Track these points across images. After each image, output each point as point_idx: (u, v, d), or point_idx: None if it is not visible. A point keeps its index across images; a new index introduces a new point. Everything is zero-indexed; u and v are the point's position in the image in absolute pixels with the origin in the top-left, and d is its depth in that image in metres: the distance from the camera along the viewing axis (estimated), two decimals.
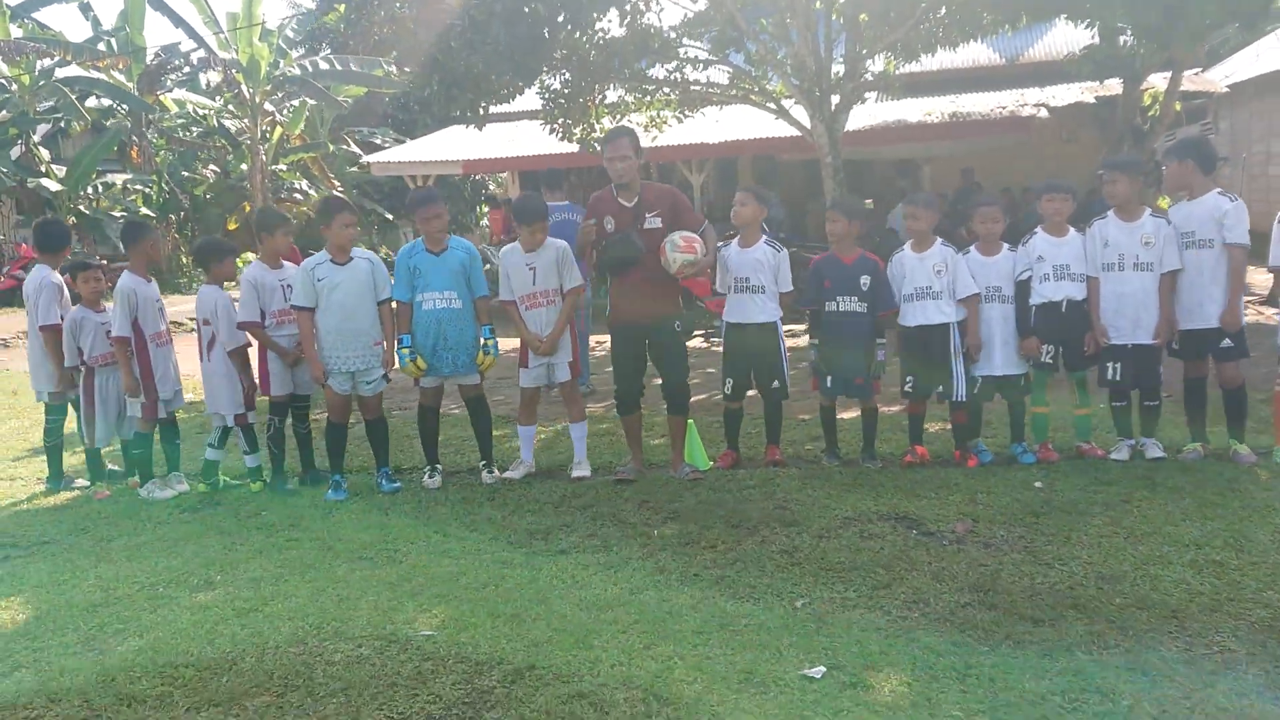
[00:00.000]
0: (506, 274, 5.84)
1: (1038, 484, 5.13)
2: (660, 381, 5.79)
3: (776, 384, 5.76)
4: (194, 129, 27.85)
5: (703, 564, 4.33)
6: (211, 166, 28.07)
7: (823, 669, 3.30)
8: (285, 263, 6.20)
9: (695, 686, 3.23)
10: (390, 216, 29.01)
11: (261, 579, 4.47)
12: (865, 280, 5.60)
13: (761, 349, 5.72)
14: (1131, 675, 3.15)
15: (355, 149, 29.30)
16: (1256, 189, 18.08)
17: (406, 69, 12.23)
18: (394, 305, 5.81)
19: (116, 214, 22.81)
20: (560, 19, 10.07)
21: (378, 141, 29.61)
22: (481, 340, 5.79)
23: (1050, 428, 5.73)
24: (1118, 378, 5.52)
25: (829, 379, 5.75)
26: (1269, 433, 5.49)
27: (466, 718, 3.10)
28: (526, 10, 9.42)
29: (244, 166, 27.09)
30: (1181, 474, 5.15)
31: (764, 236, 5.79)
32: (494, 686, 3.29)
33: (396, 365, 5.84)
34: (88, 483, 6.53)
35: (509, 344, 6.17)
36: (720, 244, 5.84)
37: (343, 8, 12.15)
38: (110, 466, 6.76)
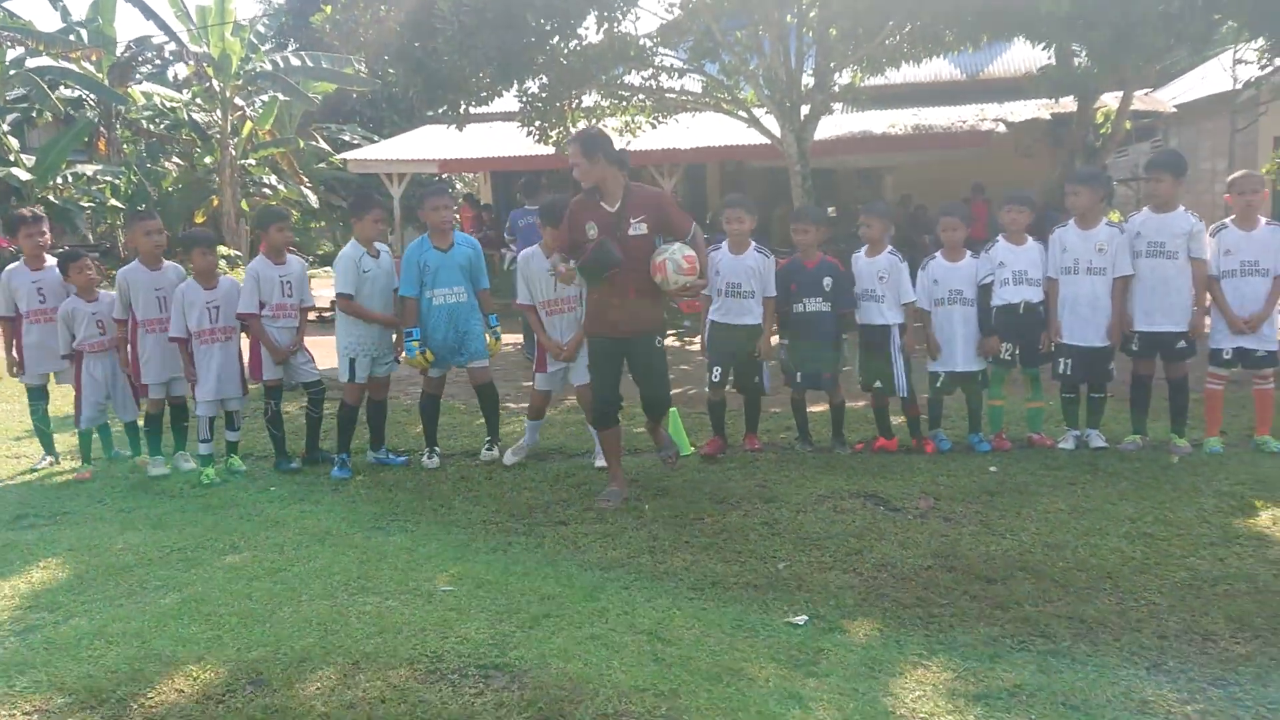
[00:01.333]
0: (527, 279, 6.10)
1: (993, 468, 5.65)
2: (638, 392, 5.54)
3: (758, 379, 6.14)
4: (160, 121, 27.84)
5: (692, 534, 4.77)
6: (175, 160, 28.03)
7: (805, 617, 3.76)
8: (291, 257, 6.54)
9: (694, 631, 3.66)
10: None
11: (284, 544, 4.84)
12: (828, 281, 6.04)
13: (747, 348, 6.02)
14: (1070, 622, 3.63)
15: (324, 145, 29.43)
16: (1202, 205, 18.85)
17: (391, 71, 12.48)
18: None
19: (84, 204, 22.79)
20: (548, 28, 10.49)
21: (346, 138, 29.79)
22: (489, 326, 6.30)
23: (1004, 419, 6.25)
24: (1068, 373, 6.04)
25: (798, 375, 6.20)
26: (1201, 427, 6.04)
27: (494, 655, 3.51)
28: (516, 18, 9.81)
29: (208, 160, 27.14)
30: (1120, 461, 5.70)
31: (753, 244, 6.01)
32: (514, 631, 3.70)
33: (404, 356, 6.21)
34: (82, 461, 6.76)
35: (511, 338, 6.56)
36: (710, 249, 5.89)
37: (329, 9, 12.35)
38: (116, 450, 7.03)
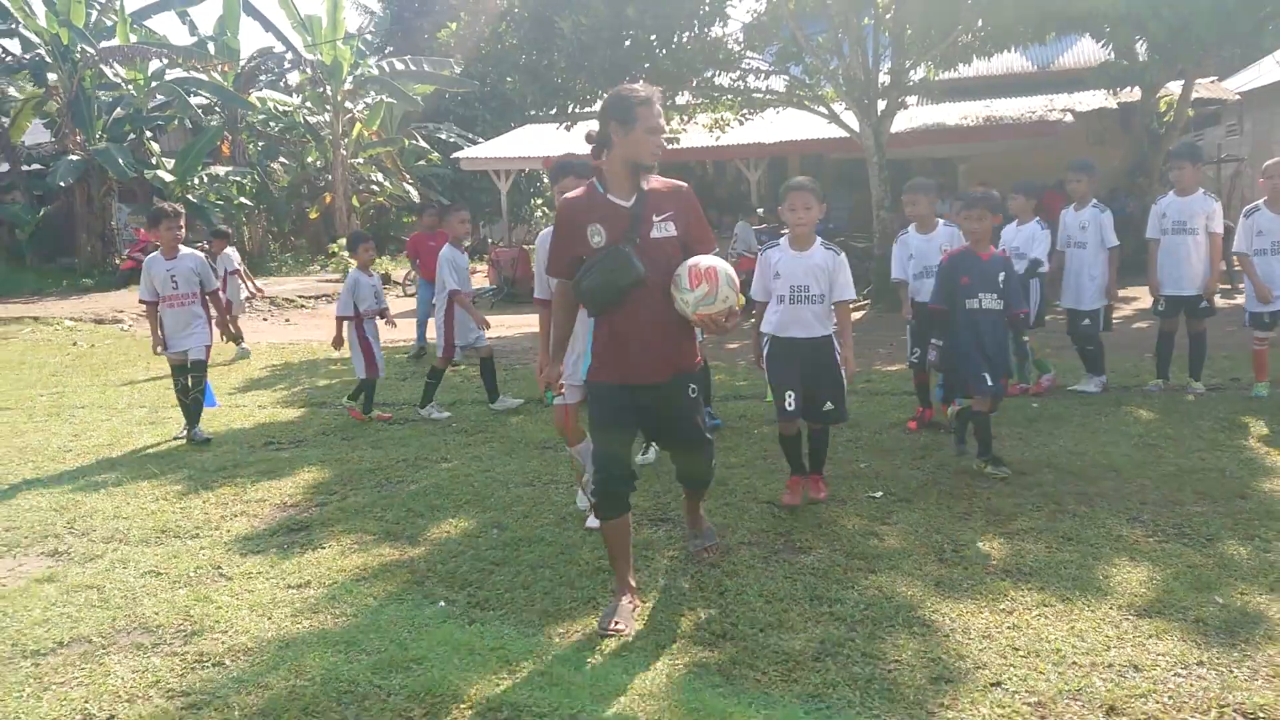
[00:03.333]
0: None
1: (1034, 404, 6.94)
2: (671, 461, 4.30)
3: (830, 406, 4.92)
4: (274, 125, 30.03)
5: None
6: (281, 160, 30.18)
7: (881, 493, 5.15)
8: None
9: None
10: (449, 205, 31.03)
11: (481, 456, 6.41)
12: (1003, 276, 5.38)
13: (816, 366, 4.91)
14: (1077, 496, 4.96)
15: (422, 143, 31.37)
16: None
17: (509, 79, 14.04)
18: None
19: (216, 202, 24.97)
20: (652, 39, 11.95)
21: (443, 136, 31.65)
22: None
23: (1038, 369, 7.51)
24: (1164, 310, 7.20)
25: (987, 376, 5.34)
26: (1221, 375, 7.23)
27: (653, 511, 4.98)
28: (626, 35, 11.29)
29: (310, 159, 29.27)
30: (1143, 399, 6.95)
31: (819, 239, 5.01)
32: (670, 499, 5.17)
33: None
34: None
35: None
36: (764, 245, 5.21)
37: (454, 25, 14.00)
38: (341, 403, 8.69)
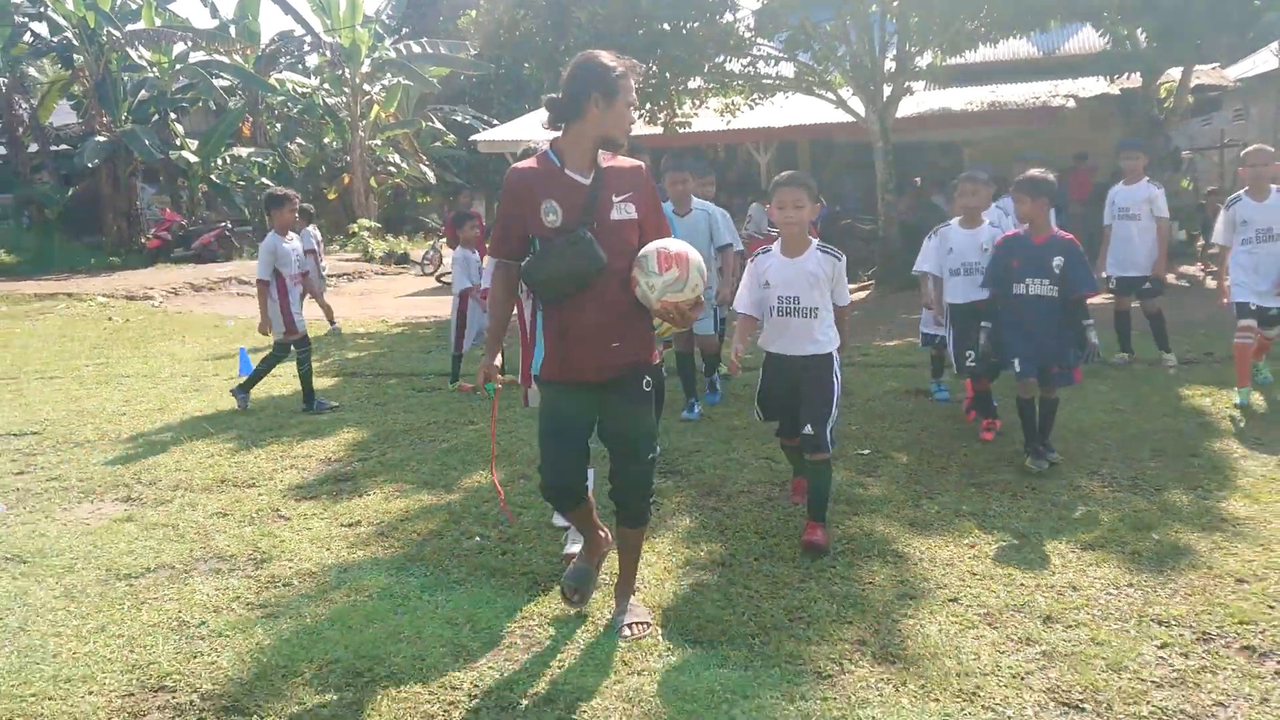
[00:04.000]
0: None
1: None
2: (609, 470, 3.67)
3: (809, 431, 4.22)
4: (292, 106, 30.58)
5: None
6: (298, 140, 30.74)
7: (869, 450, 5.70)
8: None
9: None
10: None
11: (503, 420, 6.96)
12: (1058, 262, 5.08)
13: (802, 386, 4.31)
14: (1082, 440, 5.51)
15: (438, 125, 31.88)
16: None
17: (527, 64, 14.53)
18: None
19: (237, 183, 25.56)
20: (665, 27, 12.44)
21: (458, 118, 32.14)
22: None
23: None
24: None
25: (1017, 361, 5.21)
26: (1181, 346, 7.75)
27: (679, 462, 5.55)
28: (639, 24, 11.78)
29: (326, 140, 29.83)
30: (1113, 371, 7.49)
31: (815, 241, 4.39)
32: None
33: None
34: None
35: None
36: (756, 251, 4.54)
37: (474, 12, 14.52)
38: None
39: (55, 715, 3.19)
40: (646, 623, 3.62)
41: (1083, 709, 2.95)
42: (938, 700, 3.03)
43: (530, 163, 3.49)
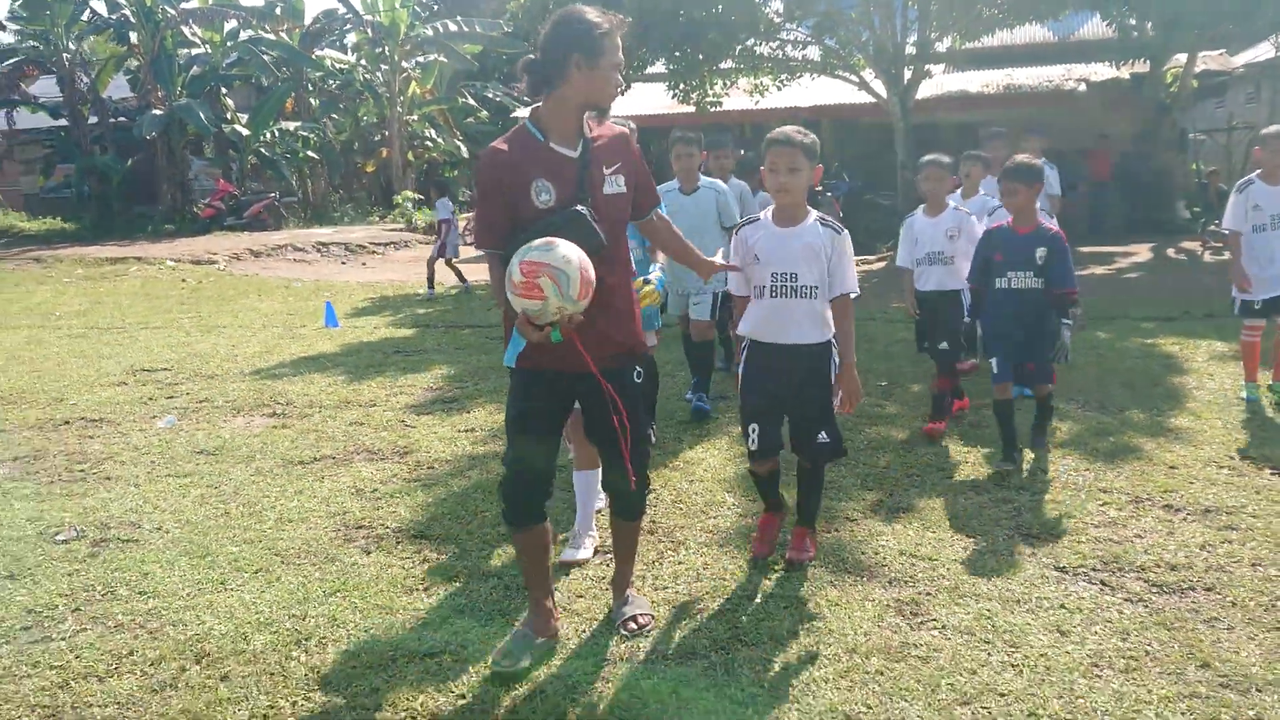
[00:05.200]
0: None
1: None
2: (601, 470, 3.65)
3: (825, 438, 3.84)
4: (330, 82, 31.69)
5: None
6: (332, 115, 31.82)
7: (886, 381, 6.84)
8: None
9: None
10: None
11: None
12: (1041, 253, 4.86)
13: (806, 383, 3.80)
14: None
15: (471, 101, 32.93)
16: None
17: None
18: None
19: (284, 155, 26.73)
20: (703, 15, 13.49)
21: (490, 95, 33.14)
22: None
23: None
24: None
25: (995, 362, 5.08)
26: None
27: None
28: (681, 14, 12.83)
29: (360, 114, 30.92)
30: (1101, 324, 8.57)
31: (814, 213, 3.83)
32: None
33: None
34: None
35: None
36: (741, 222, 4.04)
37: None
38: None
39: (289, 539, 4.38)
40: (649, 614, 3.42)
41: (1040, 538, 4.09)
42: (934, 533, 4.18)
43: (508, 138, 3.16)
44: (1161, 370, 6.89)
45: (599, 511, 4.25)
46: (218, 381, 7.86)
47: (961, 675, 3.03)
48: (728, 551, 4.10)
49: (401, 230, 23.76)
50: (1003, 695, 2.91)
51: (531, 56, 3.12)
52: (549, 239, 2.93)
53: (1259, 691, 2.88)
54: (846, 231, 3.79)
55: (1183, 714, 2.79)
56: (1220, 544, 3.93)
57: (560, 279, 2.86)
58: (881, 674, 3.05)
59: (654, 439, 3.59)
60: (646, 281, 3.99)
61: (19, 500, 5.04)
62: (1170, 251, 15.38)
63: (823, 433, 3.83)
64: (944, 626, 3.35)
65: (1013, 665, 3.07)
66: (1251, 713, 2.78)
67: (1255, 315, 6.07)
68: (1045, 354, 4.98)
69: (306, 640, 3.40)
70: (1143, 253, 15.22)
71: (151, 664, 3.28)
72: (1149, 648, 3.15)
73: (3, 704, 3.07)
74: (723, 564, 3.96)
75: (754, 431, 3.81)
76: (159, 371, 8.39)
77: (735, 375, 3.98)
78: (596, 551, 4.10)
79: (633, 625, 3.37)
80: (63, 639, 3.49)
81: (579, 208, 3.06)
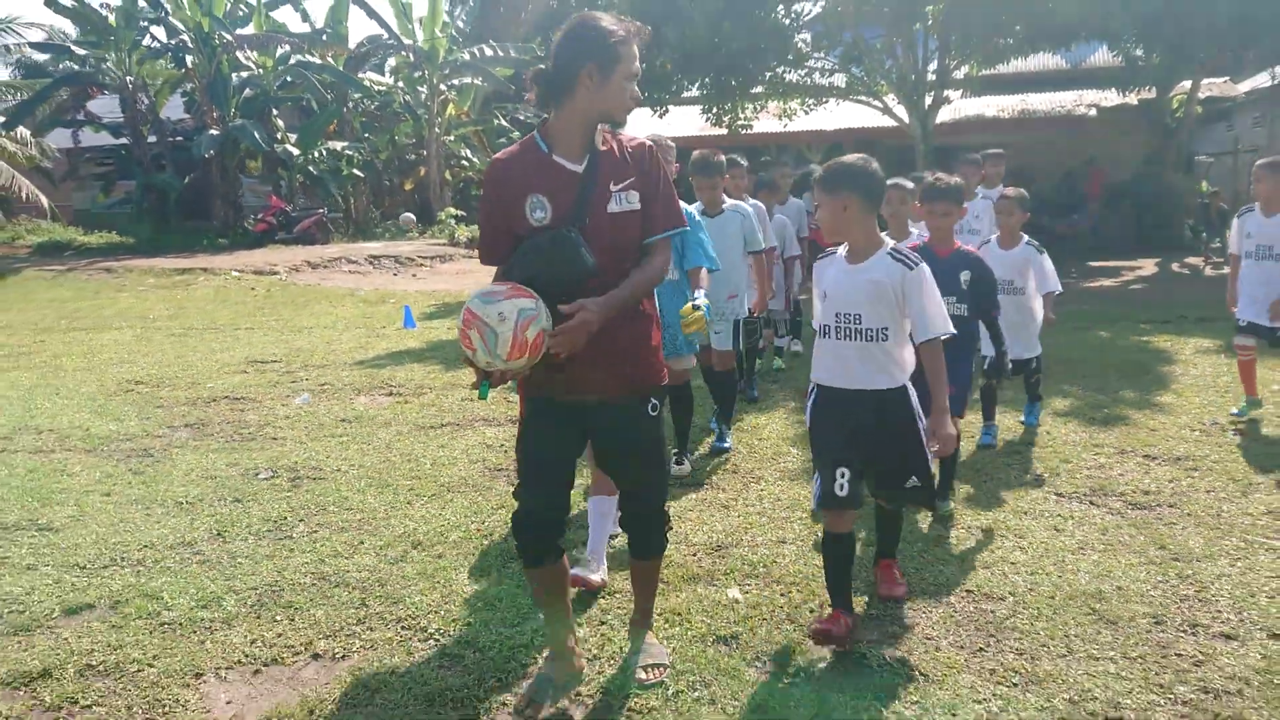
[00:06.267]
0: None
1: None
2: (619, 500, 3.40)
3: (916, 482, 3.52)
4: (369, 102, 33.10)
5: None
6: (367, 135, 33.20)
7: None
8: None
9: None
10: None
11: None
12: (965, 276, 4.55)
13: (884, 428, 3.42)
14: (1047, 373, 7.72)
15: (504, 123, 34.28)
16: None
17: None
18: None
19: (329, 173, 28.09)
20: (740, 47, 14.73)
21: (522, 117, 34.42)
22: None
23: None
24: None
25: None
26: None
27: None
28: (720, 46, 14.07)
29: (396, 134, 32.32)
30: (1102, 324, 9.66)
31: (889, 244, 3.45)
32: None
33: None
34: None
35: None
36: (822, 255, 3.64)
37: None
38: None
39: (447, 476, 5.52)
40: (664, 665, 3.25)
41: (1043, 476, 5.20)
42: (959, 478, 5.28)
43: (513, 150, 3.02)
44: (1153, 361, 7.99)
45: (614, 536, 4.14)
46: (329, 370, 9.03)
47: (983, 554, 4.15)
48: (799, 482, 5.22)
49: (444, 245, 25.02)
50: (1013, 564, 4.02)
51: (542, 66, 2.96)
52: (495, 288, 2.82)
53: (1198, 561, 3.99)
54: (924, 265, 3.36)
55: (1142, 575, 3.89)
56: (1184, 478, 5.04)
57: (488, 336, 2.74)
58: (924, 554, 4.17)
59: (688, 468, 3.89)
60: (696, 307, 3.68)
61: (211, 453, 6.21)
62: (1174, 266, 16.44)
63: (913, 477, 3.49)
64: (969, 527, 4.47)
65: (1020, 549, 4.19)
66: (1190, 572, 3.89)
67: (1243, 333, 6.19)
68: (965, 386, 4.65)
69: (490, 535, 4.55)
70: (1148, 267, 16.30)
71: (380, 549, 4.43)
72: (1122, 539, 4.26)
73: (280, 572, 4.21)
74: (794, 492, 5.08)
75: (842, 476, 3.33)
76: (270, 363, 9.57)
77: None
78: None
79: (642, 676, 3.19)
80: (302, 537, 4.64)
81: (569, 230, 2.86)
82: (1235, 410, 6.27)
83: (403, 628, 3.67)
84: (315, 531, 4.70)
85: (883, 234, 3.50)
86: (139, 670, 3.39)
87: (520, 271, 2.89)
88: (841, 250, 3.52)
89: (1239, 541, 4.19)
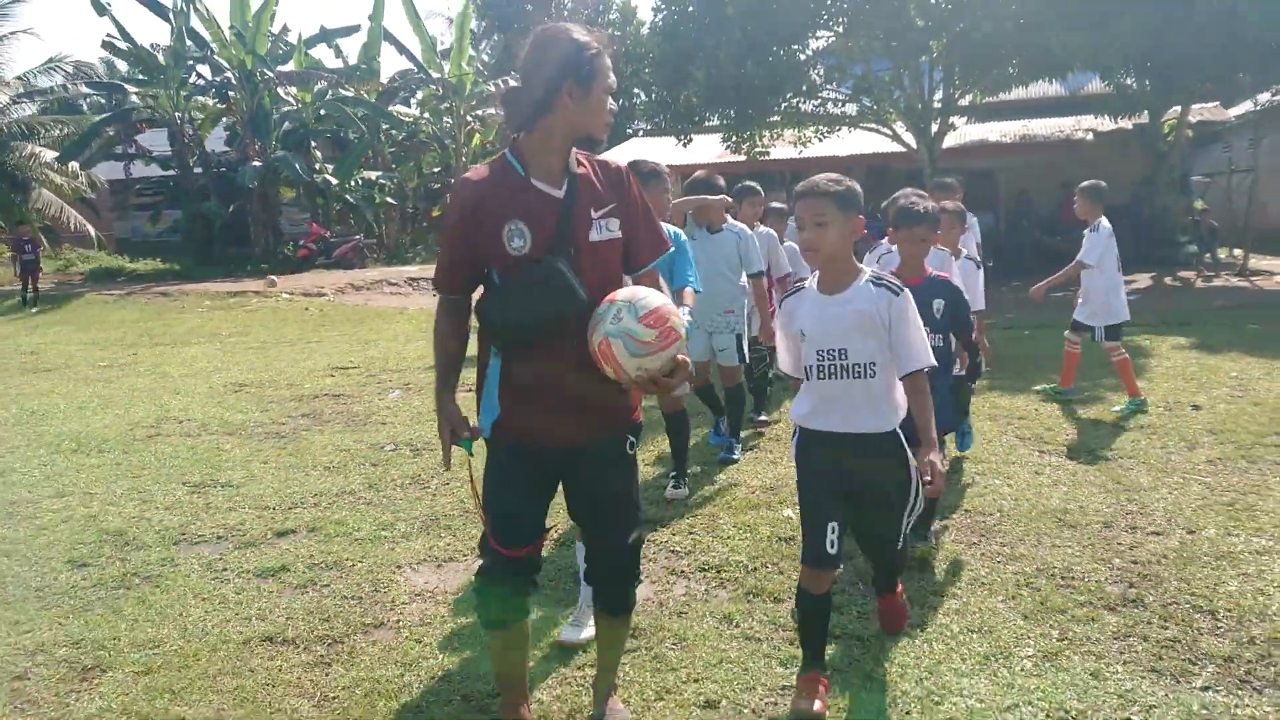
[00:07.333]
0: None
1: (1026, 333, 10.86)
2: (586, 549, 3.13)
3: (900, 542, 3.38)
4: (396, 133, 34.58)
5: None
6: (393, 165, 34.68)
7: None
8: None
9: None
10: None
11: None
12: (939, 305, 4.21)
13: (868, 477, 3.20)
14: (1039, 368, 8.90)
15: None
16: None
17: (639, 106, 18.15)
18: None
19: (362, 200, 29.53)
20: (759, 83, 16.02)
21: None
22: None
23: None
24: None
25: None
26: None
27: None
28: (744, 84, 15.37)
29: (420, 166, 33.81)
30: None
31: (868, 272, 3.21)
32: None
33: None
34: None
35: None
36: (793, 292, 3.32)
37: None
38: None
39: None
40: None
41: (1027, 437, 6.38)
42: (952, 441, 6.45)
43: (483, 172, 2.79)
44: (1133, 354, 9.12)
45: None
46: (406, 374, 10.26)
47: (977, 487, 5.34)
48: None
49: None
50: (1000, 494, 5.22)
51: (514, 85, 2.76)
52: (644, 338, 2.61)
53: (1144, 491, 5.18)
54: (907, 291, 3.16)
55: (1099, 498, 5.08)
56: (1144, 439, 6.23)
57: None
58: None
59: (685, 492, 4.88)
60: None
61: (335, 433, 7.43)
62: (1168, 280, 17.60)
63: (899, 539, 3.34)
64: (960, 472, 5.66)
65: (1008, 485, 5.39)
66: (1136, 497, 5.08)
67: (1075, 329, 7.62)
68: (956, 420, 4.81)
69: None
70: (1143, 280, 17.45)
71: None
72: (1088, 479, 5.45)
73: (431, 508, 5.41)
74: None
75: (833, 533, 3.11)
76: (351, 369, 10.81)
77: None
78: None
79: None
80: (440, 488, 5.85)
81: (555, 260, 2.66)
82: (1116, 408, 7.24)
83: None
84: (448, 484, 5.90)
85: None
86: (352, 565, 4.61)
87: (505, 311, 2.72)
88: (811, 282, 3.25)
89: (1179, 479, 5.37)
